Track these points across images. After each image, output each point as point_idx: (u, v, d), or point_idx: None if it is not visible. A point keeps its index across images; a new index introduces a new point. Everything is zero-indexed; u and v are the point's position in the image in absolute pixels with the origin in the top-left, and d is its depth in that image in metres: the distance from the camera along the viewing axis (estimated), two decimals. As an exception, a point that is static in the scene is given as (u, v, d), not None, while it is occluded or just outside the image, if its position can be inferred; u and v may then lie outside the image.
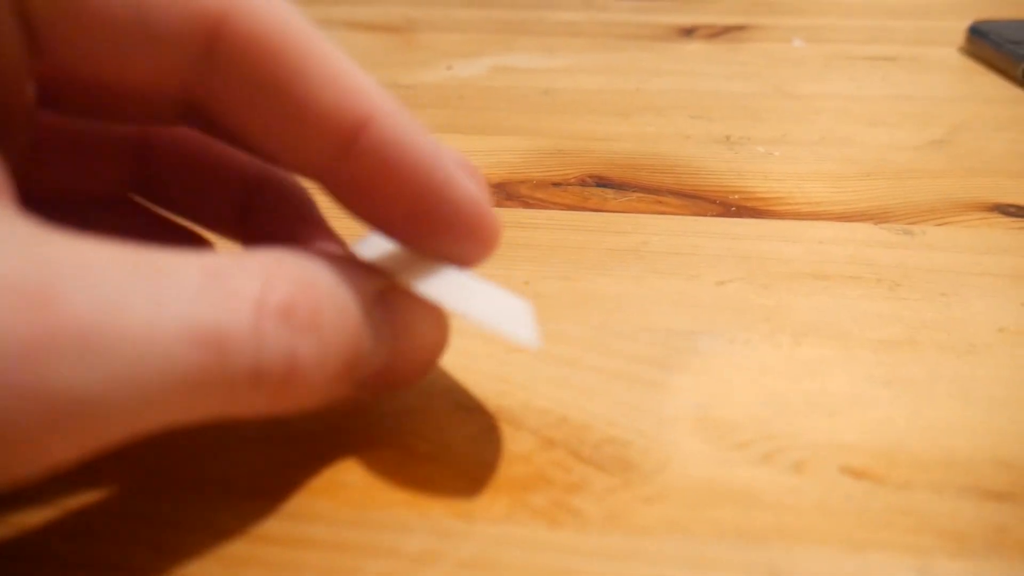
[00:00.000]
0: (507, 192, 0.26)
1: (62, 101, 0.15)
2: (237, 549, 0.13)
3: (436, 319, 0.15)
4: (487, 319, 0.14)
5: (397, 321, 0.14)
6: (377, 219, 0.15)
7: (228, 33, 0.13)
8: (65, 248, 0.11)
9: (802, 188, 0.26)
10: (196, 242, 0.18)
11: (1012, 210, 0.24)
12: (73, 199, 0.17)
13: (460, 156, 0.15)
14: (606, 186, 0.26)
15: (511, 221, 0.24)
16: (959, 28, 0.41)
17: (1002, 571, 0.13)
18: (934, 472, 0.15)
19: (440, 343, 0.15)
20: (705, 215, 0.25)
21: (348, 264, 0.14)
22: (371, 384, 0.14)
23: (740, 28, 0.44)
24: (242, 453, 0.15)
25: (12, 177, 0.12)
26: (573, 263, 0.22)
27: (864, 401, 0.17)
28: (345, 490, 0.15)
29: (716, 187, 0.26)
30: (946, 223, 0.24)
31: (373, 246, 0.16)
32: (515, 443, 0.16)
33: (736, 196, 0.26)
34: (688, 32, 0.43)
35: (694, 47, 0.41)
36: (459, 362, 0.18)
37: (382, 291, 0.14)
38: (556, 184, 0.27)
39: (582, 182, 0.27)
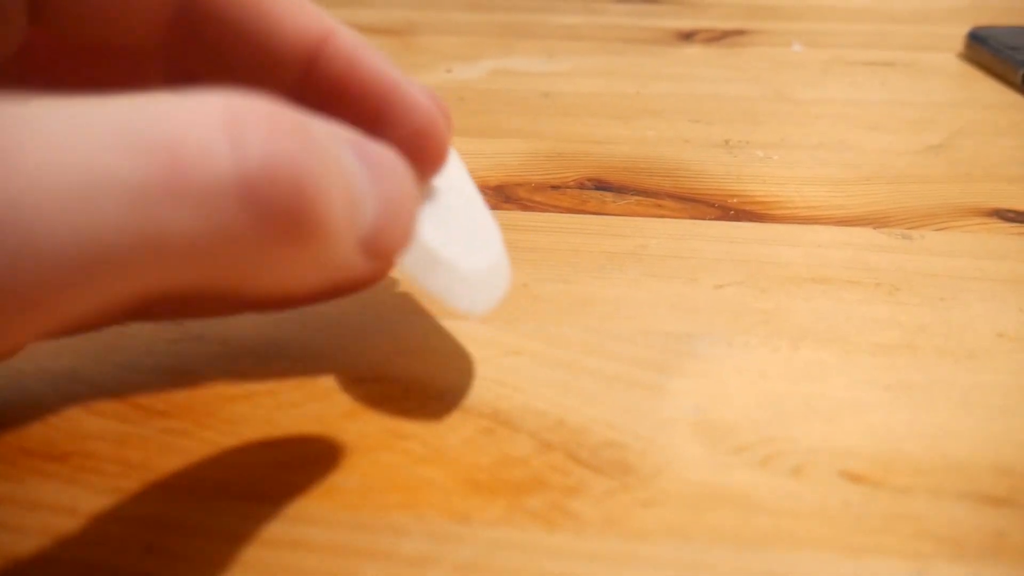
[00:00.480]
0: (506, 195, 0.26)
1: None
2: (232, 552, 0.13)
3: (404, 165, 0.13)
4: (434, 289, 0.15)
5: (374, 169, 0.13)
6: None
7: None
8: None
9: (801, 192, 0.26)
10: None
11: (1011, 215, 0.24)
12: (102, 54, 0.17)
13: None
14: (605, 189, 0.26)
15: (509, 224, 0.24)
16: (958, 34, 0.41)
17: (1001, 576, 0.13)
18: (933, 477, 0.15)
19: (414, 195, 0.14)
20: (704, 219, 0.24)
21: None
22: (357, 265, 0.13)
23: (739, 32, 0.44)
24: (238, 455, 0.15)
25: None
26: (571, 266, 0.22)
27: (863, 405, 0.17)
28: (341, 493, 0.15)
29: (715, 191, 0.26)
30: (945, 228, 0.24)
31: None
32: (513, 446, 0.16)
33: (735, 200, 0.26)
34: (688, 36, 0.43)
35: (693, 51, 0.41)
36: (456, 364, 0.18)
37: (352, 138, 0.13)
38: (555, 187, 0.27)
39: (581, 185, 0.27)
